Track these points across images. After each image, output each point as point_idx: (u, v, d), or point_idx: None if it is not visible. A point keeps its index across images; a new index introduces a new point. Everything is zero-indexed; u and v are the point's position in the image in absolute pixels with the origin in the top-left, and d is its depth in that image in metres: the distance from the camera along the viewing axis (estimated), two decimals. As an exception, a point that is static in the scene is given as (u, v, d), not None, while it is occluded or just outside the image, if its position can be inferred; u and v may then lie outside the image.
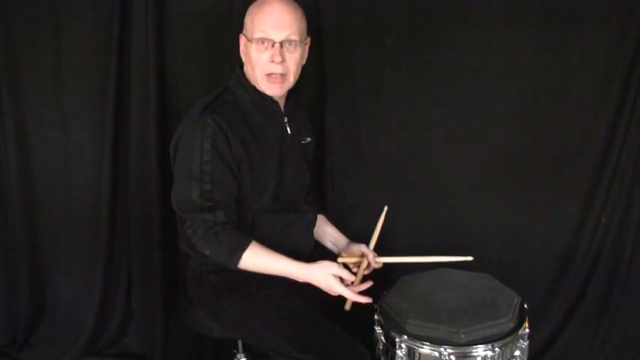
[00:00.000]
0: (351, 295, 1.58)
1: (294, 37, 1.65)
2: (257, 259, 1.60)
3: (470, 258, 1.62)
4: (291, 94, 1.79)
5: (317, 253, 1.83)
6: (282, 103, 1.76)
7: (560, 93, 2.13)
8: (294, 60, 1.67)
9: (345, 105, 2.24)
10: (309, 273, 1.60)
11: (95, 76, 2.25)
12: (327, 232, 1.92)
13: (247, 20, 1.69)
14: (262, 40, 1.63)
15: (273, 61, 1.63)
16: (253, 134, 1.67)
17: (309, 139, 1.89)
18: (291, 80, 1.70)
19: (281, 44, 1.63)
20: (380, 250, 1.78)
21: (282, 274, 1.63)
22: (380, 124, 2.26)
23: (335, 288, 1.58)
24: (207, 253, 1.60)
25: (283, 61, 1.63)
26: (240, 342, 1.89)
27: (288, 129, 1.77)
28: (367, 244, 1.79)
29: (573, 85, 2.12)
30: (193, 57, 2.23)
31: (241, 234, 1.62)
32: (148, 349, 2.42)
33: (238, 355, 1.92)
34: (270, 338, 1.66)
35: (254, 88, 1.70)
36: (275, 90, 1.68)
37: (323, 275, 1.58)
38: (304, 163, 1.87)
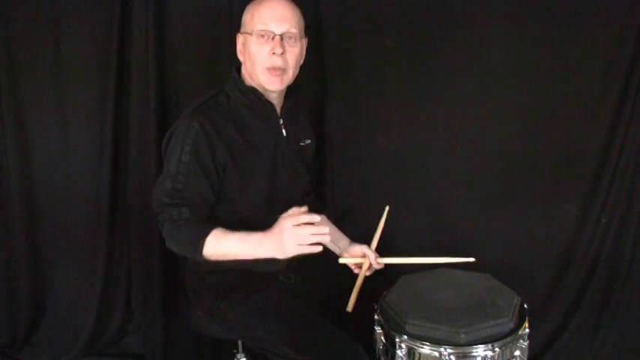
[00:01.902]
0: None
1: (294, 31, 1.66)
2: (219, 241, 1.55)
3: (472, 259, 1.62)
4: (289, 95, 1.79)
5: (318, 253, 1.83)
6: (279, 105, 1.76)
7: (561, 93, 2.13)
8: (293, 54, 1.67)
9: (345, 105, 2.25)
10: (271, 237, 1.52)
11: (95, 76, 2.25)
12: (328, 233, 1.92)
13: (246, 17, 1.70)
14: (262, 34, 1.64)
15: (274, 53, 1.63)
16: (244, 137, 1.66)
17: (308, 141, 1.88)
18: (290, 75, 1.69)
19: (281, 37, 1.64)
20: (380, 250, 1.78)
21: (248, 251, 1.55)
22: (380, 124, 2.26)
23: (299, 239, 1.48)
24: (175, 249, 1.61)
25: (284, 53, 1.64)
26: (240, 342, 1.89)
27: (284, 131, 1.76)
28: (368, 244, 1.79)
29: (573, 85, 2.12)
30: (193, 57, 2.23)
31: (205, 224, 1.59)
32: (148, 349, 2.42)
33: (238, 355, 1.92)
34: (267, 339, 1.65)
35: (250, 89, 1.70)
36: (275, 84, 1.67)
37: (285, 232, 1.49)
38: (302, 165, 1.86)
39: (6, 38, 2.22)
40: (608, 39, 2.06)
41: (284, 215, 1.55)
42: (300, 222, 1.49)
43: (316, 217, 1.51)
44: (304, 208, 1.57)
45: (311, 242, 1.49)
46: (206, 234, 1.55)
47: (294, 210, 1.55)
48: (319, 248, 1.51)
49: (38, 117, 2.30)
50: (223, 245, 1.56)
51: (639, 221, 2.16)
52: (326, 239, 1.51)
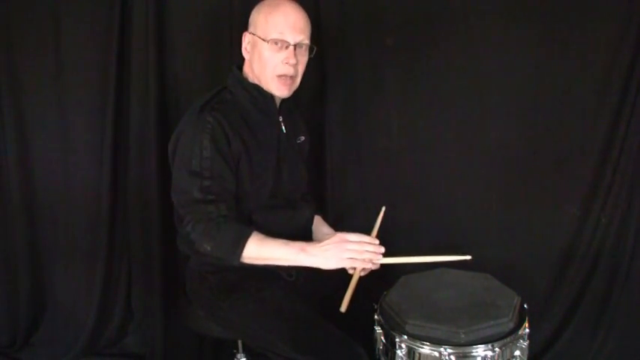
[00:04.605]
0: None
1: (307, 41, 1.69)
2: (261, 243, 1.55)
3: (468, 257, 1.61)
4: None
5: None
6: (277, 103, 1.77)
7: (561, 93, 2.13)
8: (303, 63, 1.70)
9: (345, 105, 2.25)
10: (320, 245, 1.57)
11: (95, 76, 2.25)
12: (324, 233, 1.92)
13: (259, 19, 1.69)
14: (277, 41, 1.64)
15: (287, 63, 1.65)
16: (252, 132, 1.68)
17: (302, 139, 1.90)
18: (297, 82, 1.72)
19: (294, 47, 1.65)
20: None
21: (290, 257, 1.57)
22: (380, 124, 2.26)
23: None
24: (209, 248, 1.56)
25: (296, 63, 1.66)
26: (240, 342, 1.89)
27: (283, 128, 1.79)
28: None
29: (573, 85, 2.12)
30: (193, 57, 2.23)
31: (242, 225, 1.59)
32: (148, 349, 2.42)
33: (238, 355, 1.92)
34: (268, 339, 1.66)
35: (253, 86, 1.71)
36: (284, 91, 1.69)
37: (344, 244, 1.55)
38: (301, 162, 1.87)
39: (6, 38, 2.22)
40: (608, 39, 2.06)
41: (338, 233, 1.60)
42: (363, 239, 1.56)
43: (376, 240, 1.59)
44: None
45: (368, 259, 1.56)
46: (248, 235, 1.54)
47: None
48: (370, 267, 1.60)
49: (38, 117, 2.30)
50: (266, 248, 1.56)
51: (639, 221, 2.16)
52: (377, 262, 1.60)
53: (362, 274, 1.73)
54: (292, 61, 1.65)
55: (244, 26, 1.74)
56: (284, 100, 1.79)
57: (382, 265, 1.75)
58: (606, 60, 2.08)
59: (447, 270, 1.75)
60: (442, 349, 1.44)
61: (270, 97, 1.72)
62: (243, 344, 1.90)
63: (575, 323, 2.25)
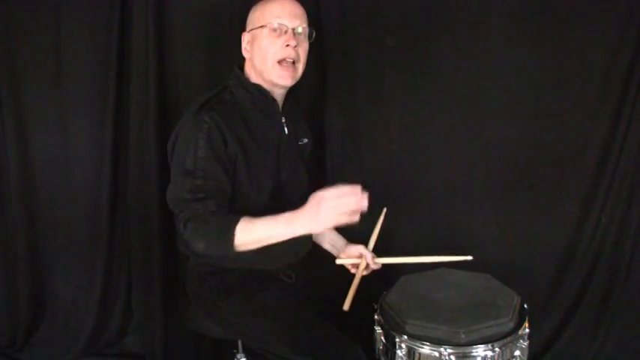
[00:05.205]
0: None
1: (305, 26, 1.69)
2: (249, 227, 1.49)
3: (469, 257, 1.62)
4: (289, 94, 1.79)
5: (315, 254, 1.83)
6: (280, 104, 1.77)
7: (561, 93, 2.13)
8: (304, 49, 1.70)
9: (345, 105, 2.25)
10: (306, 211, 1.47)
11: (95, 76, 2.25)
12: (325, 234, 1.92)
13: (255, 15, 1.70)
14: (276, 27, 1.65)
15: (288, 45, 1.64)
16: (251, 133, 1.67)
17: (305, 140, 1.89)
18: (299, 71, 1.71)
19: (293, 31, 1.66)
20: (379, 251, 1.78)
21: (281, 231, 1.50)
22: (380, 124, 2.26)
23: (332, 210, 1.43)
24: (201, 246, 1.53)
25: (296, 46, 1.66)
26: (240, 342, 1.89)
27: (286, 129, 1.78)
28: (366, 244, 1.79)
29: (573, 85, 2.12)
30: (193, 57, 2.23)
31: (230, 215, 1.54)
32: (148, 349, 2.42)
33: (238, 355, 1.92)
34: (267, 340, 1.66)
35: (255, 86, 1.71)
36: (286, 79, 1.68)
37: (325, 201, 1.44)
38: (302, 164, 1.87)
39: (6, 39, 2.22)
40: (608, 39, 2.06)
41: (318, 192, 1.48)
42: (341, 193, 1.44)
43: (358, 187, 1.45)
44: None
45: (351, 210, 1.43)
46: (235, 222, 1.49)
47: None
48: (357, 218, 1.45)
49: (38, 117, 2.30)
50: (255, 231, 1.49)
51: (639, 221, 2.16)
52: (364, 207, 1.45)
53: (364, 273, 1.73)
54: (292, 42, 1.64)
55: (244, 27, 1.74)
56: (286, 101, 1.78)
57: (382, 265, 1.75)
58: (606, 60, 2.08)
59: (447, 270, 1.75)
60: (442, 349, 1.45)
61: (272, 98, 1.72)
62: (243, 344, 1.90)
63: (575, 323, 2.25)
